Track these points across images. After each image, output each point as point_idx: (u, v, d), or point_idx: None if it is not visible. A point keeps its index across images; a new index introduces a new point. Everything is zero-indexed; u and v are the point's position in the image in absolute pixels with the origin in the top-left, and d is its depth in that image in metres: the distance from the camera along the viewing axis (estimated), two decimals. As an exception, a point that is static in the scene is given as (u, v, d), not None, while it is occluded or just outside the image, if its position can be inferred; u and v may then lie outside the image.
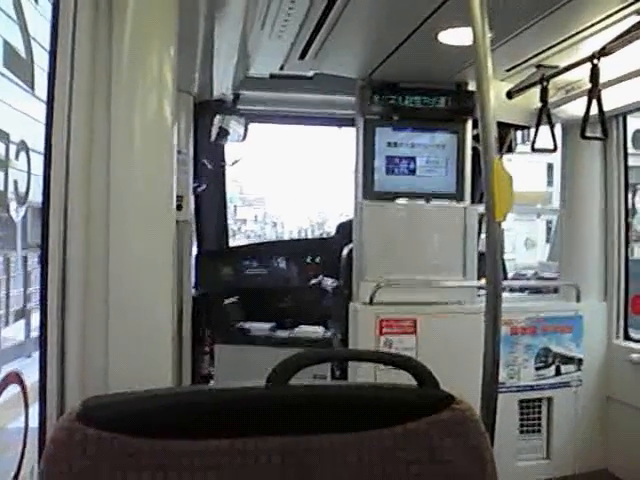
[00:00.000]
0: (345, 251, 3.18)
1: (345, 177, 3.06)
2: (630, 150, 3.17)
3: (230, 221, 4.53)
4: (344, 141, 3.52)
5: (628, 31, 2.10)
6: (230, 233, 4.42)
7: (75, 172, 1.36)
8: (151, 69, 1.45)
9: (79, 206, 1.36)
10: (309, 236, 10.70)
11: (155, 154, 1.46)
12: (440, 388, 1.08)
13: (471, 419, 1.04)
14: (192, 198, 3.06)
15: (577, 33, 2.26)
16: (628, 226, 3.15)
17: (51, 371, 1.31)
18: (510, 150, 3.29)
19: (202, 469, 0.95)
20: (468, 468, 1.02)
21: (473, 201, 3.06)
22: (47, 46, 1.36)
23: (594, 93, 2.36)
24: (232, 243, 4.58)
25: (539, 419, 3.06)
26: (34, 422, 1.31)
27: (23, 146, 1.29)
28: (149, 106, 1.45)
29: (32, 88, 1.32)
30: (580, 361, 3.05)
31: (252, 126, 3.65)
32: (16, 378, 1.28)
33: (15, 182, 1.26)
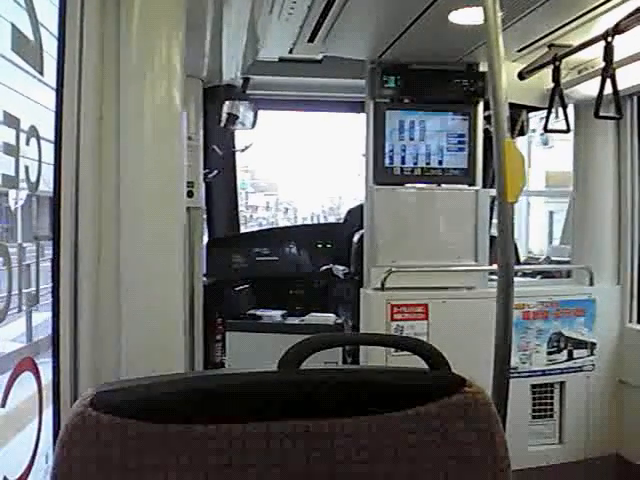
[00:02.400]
0: (356, 237, 3.17)
1: (358, 161, 3.05)
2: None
3: (242, 208, 4.53)
4: (356, 125, 3.49)
5: (642, 8, 2.06)
6: (242, 220, 4.43)
7: (85, 159, 1.36)
8: (160, 54, 1.44)
9: (90, 193, 1.37)
10: (322, 222, 10.68)
11: (165, 140, 1.46)
12: (452, 371, 1.07)
13: (483, 402, 1.03)
14: (202, 185, 3.06)
15: (590, 11, 2.22)
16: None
17: (64, 358, 1.32)
18: (522, 132, 3.26)
19: (214, 453, 0.95)
20: (480, 451, 1.02)
21: (485, 184, 3.04)
22: (55, 32, 1.35)
23: (608, 72, 2.32)
24: (244, 231, 4.59)
25: (551, 404, 3.05)
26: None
27: (34, 132, 1.28)
28: (158, 92, 1.44)
29: (41, 74, 1.32)
30: (593, 345, 3.03)
31: (263, 112, 3.63)
32: (30, 364, 1.29)
33: (27, 168, 1.26)
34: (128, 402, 0.95)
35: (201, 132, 2.91)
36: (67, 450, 0.92)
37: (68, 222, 1.34)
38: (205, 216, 3.69)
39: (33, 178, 1.28)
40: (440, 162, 2.96)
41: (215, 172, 3.54)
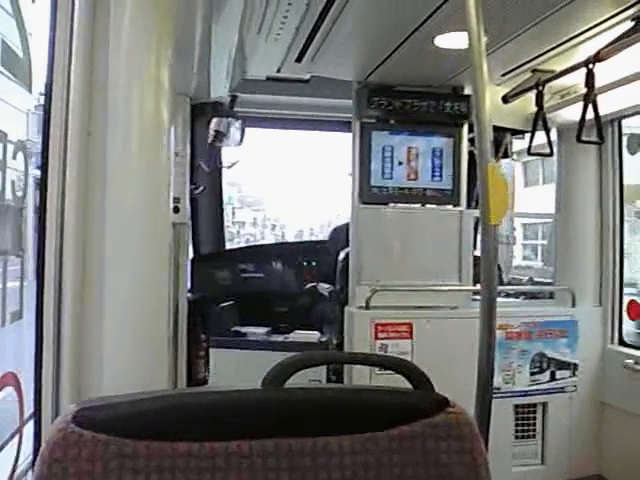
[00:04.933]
0: (341, 255, 3.18)
1: (344, 180, 3.08)
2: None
3: (229, 224, 4.53)
4: (344, 144, 3.51)
5: (622, 37, 2.12)
6: (229, 236, 4.43)
7: (72, 175, 1.36)
8: (148, 71, 1.45)
9: (76, 209, 1.36)
10: (307, 240, 10.67)
11: (152, 156, 1.46)
12: (435, 391, 1.08)
13: (465, 423, 1.04)
14: (188, 201, 3.06)
15: (572, 38, 2.27)
16: (623, 230, 3.16)
17: (46, 373, 1.30)
18: (506, 155, 3.30)
19: (197, 471, 0.95)
20: (462, 472, 1.02)
21: (469, 205, 3.07)
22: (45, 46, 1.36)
23: (590, 98, 2.37)
24: (230, 247, 4.58)
25: (534, 424, 3.06)
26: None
27: (21, 146, 1.29)
28: (146, 108, 1.45)
29: (29, 89, 1.33)
30: (575, 366, 3.05)
31: (251, 129, 3.65)
32: (12, 379, 1.28)
33: (12, 183, 1.26)
34: (110, 419, 0.95)
35: (188, 148, 2.92)
36: (48, 467, 0.91)
37: (53, 237, 1.34)
38: (190, 232, 3.68)
39: (19, 192, 1.28)
40: (425, 182, 2.99)
41: (201, 188, 3.54)
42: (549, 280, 3.71)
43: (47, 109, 1.34)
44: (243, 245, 7.22)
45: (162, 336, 1.48)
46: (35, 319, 1.32)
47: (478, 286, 1.98)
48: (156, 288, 1.46)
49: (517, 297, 3.53)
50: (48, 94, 1.35)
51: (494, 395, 1.67)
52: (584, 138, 2.44)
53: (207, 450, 0.96)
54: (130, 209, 1.39)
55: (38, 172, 1.36)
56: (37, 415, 1.28)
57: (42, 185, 1.34)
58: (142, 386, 1.10)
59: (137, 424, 0.95)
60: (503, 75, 2.76)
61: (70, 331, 1.32)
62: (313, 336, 3.41)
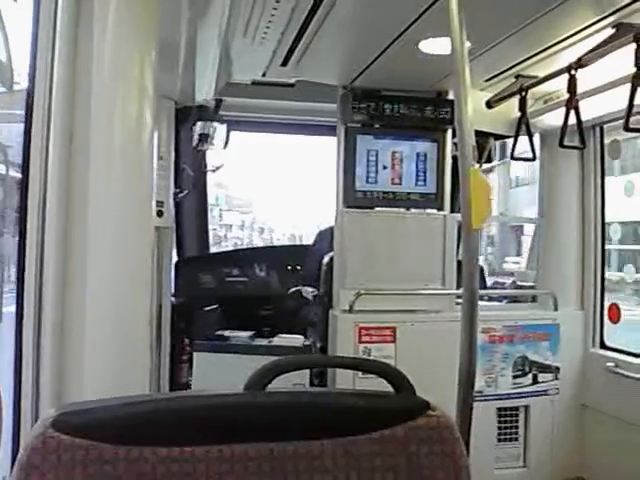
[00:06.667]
0: (326, 259, 3.19)
1: (330, 184, 3.09)
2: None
3: (216, 227, 4.53)
4: (330, 148, 3.51)
5: (603, 43, 2.15)
6: (216, 240, 4.42)
7: (54, 177, 1.35)
8: (132, 74, 1.45)
9: (57, 211, 1.36)
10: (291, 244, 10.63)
11: (135, 160, 1.46)
12: (416, 394, 1.08)
13: (446, 426, 1.05)
14: (172, 204, 3.05)
15: (555, 44, 2.30)
16: (604, 235, 3.19)
17: (26, 378, 1.29)
18: (489, 159, 3.33)
19: (179, 476, 0.95)
20: (443, 475, 1.02)
21: (453, 209, 3.08)
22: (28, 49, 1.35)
23: (572, 103, 2.40)
24: (218, 251, 4.57)
25: (516, 427, 3.08)
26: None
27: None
28: (129, 111, 1.45)
29: (10, 90, 1.32)
30: (557, 369, 3.07)
31: (238, 132, 3.65)
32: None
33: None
34: (91, 423, 0.94)
35: (172, 152, 2.91)
36: (26, 473, 0.90)
37: (34, 240, 1.33)
38: (174, 236, 3.67)
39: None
40: (409, 187, 3.00)
41: (185, 192, 3.53)
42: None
43: (29, 112, 1.34)
44: (231, 249, 7.20)
45: (144, 340, 1.48)
46: (15, 323, 1.31)
47: (461, 290, 2.00)
48: (138, 292, 1.46)
49: (500, 301, 3.56)
50: (30, 97, 1.34)
51: (476, 398, 1.68)
52: (566, 143, 2.46)
53: (188, 455, 0.95)
54: (112, 213, 1.39)
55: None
56: (16, 420, 1.27)
57: (23, 188, 1.33)
58: (123, 390, 1.09)
59: (118, 429, 0.95)
60: (487, 80, 2.78)
61: (50, 335, 1.32)
62: (297, 340, 3.40)
